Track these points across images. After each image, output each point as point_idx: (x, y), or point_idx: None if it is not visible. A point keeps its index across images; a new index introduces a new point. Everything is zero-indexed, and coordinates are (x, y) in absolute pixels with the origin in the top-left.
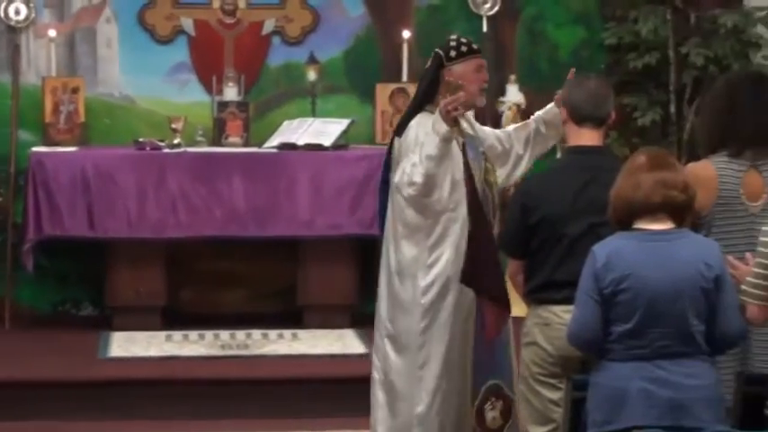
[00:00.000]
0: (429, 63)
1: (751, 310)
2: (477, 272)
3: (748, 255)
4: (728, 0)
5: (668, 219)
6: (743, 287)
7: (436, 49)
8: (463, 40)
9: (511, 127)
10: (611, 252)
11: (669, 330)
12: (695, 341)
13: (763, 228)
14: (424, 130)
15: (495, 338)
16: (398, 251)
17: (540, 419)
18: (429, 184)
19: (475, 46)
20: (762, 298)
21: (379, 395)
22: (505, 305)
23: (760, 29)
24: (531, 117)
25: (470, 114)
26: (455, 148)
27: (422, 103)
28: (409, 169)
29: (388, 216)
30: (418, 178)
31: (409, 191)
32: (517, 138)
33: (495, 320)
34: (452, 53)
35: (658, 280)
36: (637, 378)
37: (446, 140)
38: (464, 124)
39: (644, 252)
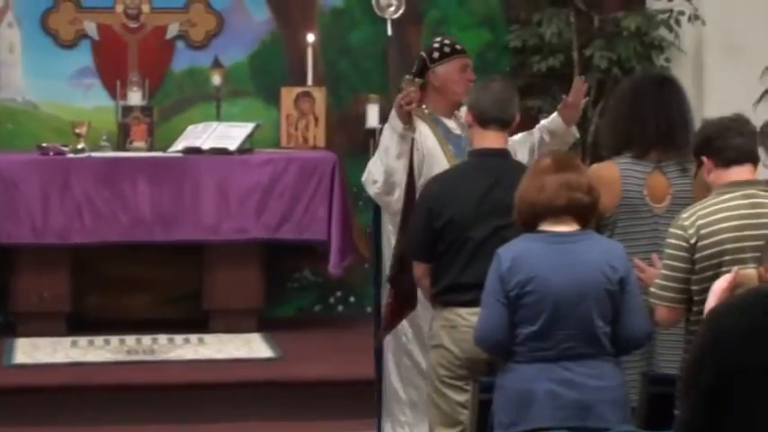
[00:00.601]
0: (414, 66)
1: (660, 311)
2: (402, 272)
3: (654, 256)
4: (631, 3)
5: (573, 220)
6: (651, 289)
7: (421, 52)
8: (446, 41)
9: (517, 136)
10: (516, 255)
11: (574, 332)
12: (600, 342)
13: (670, 229)
14: None
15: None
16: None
17: (448, 422)
18: (389, 181)
19: (458, 46)
20: (670, 299)
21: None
22: (412, 305)
23: (662, 31)
24: (536, 126)
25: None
26: (436, 149)
27: None
28: (372, 167)
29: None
30: (379, 176)
31: (373, 189)
32: (521, 147)
33: (392, 318)
34: (435, 54)
35: (563, 282)
36: (542, 379)
37: (402, 137)
38: (452, 124)
39: (549, 254)
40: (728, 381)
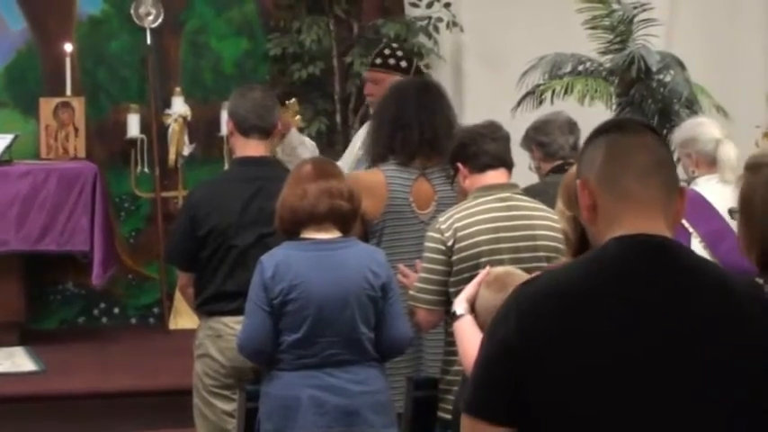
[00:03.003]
0: None
1: (419, 314)
2: None
3: (418, 262)
4: (390, 10)
5: (334, 227)
6: (411, 292)
7: None
8: (378, 51)
9: None
10: (279, 262)
11: (337, 339)
12: (364, 348)
13: (428, 233)
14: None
15: None
16: None
17: (215, 431)
18: None
19: (378, 60)
20: (428, 302)
21: None
22: None
23: (422, 38)
24: None
25: None
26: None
27: None
28: None
29: None
30: None
31: None
32: None
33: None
34: None
35: (326, 289)
36: (306, 387)
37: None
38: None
39: (311, 261)
40: (533, 380)
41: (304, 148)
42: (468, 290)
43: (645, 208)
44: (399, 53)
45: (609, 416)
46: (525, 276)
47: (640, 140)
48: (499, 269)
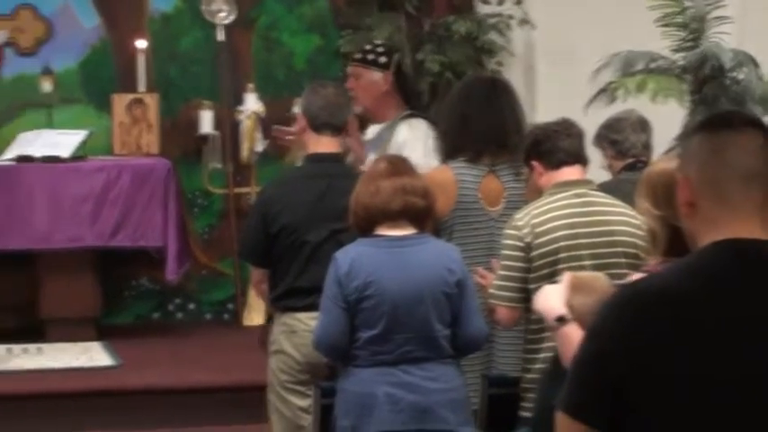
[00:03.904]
0: None
1: (500, 312)
2: None
3: (494, 261)
4: (461, 7)
5: (409, 224)
6: (490, 290)
7: None
8: (366, 47)
9: None
10: (353, 259)
11: (413, 335)
12: (439, 345)
13: (505, 230)
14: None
15: None
16: None
17: (290, 427)
18: None
19: (358, 56)
20: (509, 299)
21: None
22: None
23: (493, 35)
24: None
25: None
26: None
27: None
28: None
29: None
30: None
31: None
32: None
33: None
34: None
35: (401, 286)
36: (382, 383)
37: None
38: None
39: (385, 258)
40: (637, 382)
41: None
42: (562, 294)
43: (745, 214)
44: (380, 49)
45: (705, 424)
46: (607, 280)
47: (746, 140)
48: (582, 274)
